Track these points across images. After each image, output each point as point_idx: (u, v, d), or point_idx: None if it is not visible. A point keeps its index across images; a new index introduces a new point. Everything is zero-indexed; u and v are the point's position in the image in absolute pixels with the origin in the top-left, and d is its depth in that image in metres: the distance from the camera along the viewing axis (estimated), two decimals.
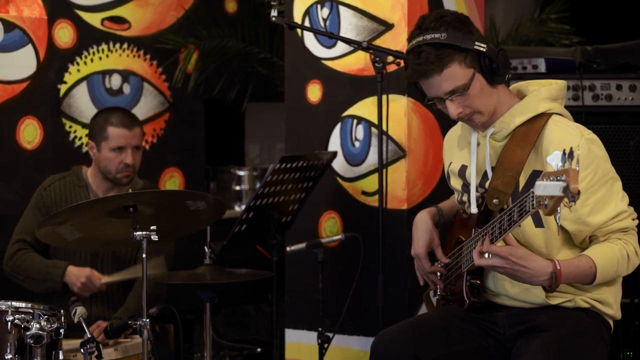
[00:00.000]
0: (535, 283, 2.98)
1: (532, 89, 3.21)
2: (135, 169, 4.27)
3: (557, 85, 3.21)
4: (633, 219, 3.10)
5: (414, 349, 3.10)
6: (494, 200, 3.11)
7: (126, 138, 4.22)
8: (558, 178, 2.57)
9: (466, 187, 3.28)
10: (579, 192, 2.56)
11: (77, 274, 4.10)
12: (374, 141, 4.29)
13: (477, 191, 3.21)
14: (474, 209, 3.20)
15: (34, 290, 4.20)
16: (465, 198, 3.30)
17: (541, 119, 3.12)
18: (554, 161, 2.61)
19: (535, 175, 3.09)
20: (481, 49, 3.04)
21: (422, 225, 3.40)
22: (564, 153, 2.59)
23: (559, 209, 2.63)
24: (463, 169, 3.29)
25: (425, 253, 3.37)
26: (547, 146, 3.08)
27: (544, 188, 2.60)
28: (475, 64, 3.06)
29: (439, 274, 3.39)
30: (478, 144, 3.21)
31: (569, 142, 3.02)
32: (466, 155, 3.27)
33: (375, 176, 4.21)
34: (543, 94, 3.16)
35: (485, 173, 3.19)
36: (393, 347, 3.12)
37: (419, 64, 3.04)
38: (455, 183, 3.34)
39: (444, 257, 3.35)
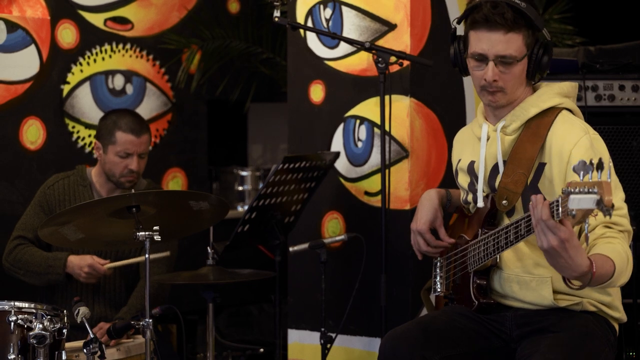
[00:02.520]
0: (564, 274, 2.85)
1: (543, 85, 3.26)
2: (139, 174, 4.26)
3: (568, 83, 3.26)
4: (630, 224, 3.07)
5: (421, 349, 3.10)
6: (503, 202, 3.12)
7: (133, 145, 4.20)
8: (589, 190, 2.53)
9: (473, 185, 3.28)
10: (613, 206, 2.52)
11: (79, 264, 4.09)
12: (377, 141, 4.30)
13: (483, 191, 3.22)
14: (480, 203, 3.20)
15: (35, 284, 4.19)
16: (470, 198, 3.30)
17: (552, 113, 3.16)
18: (580, 170, 2.56)
19: (541, 168, 3.11)
20: (546, 36, 3.13)
21: (428, 203, 3.41)
22: (591, 163, 2.55)
23: (587, 219, 2.61)
24: (472, 164, 3.29)
25: (427, 229, 3.36)
26: (551, 139, 3.11)
27: (578, 202, 2.54)
28: (531, 48, 3.12)
29: (439, 264, 3.40)
30: (488, 138, 3.22)
31: (572, 137, 3.06)
32: (476, 151, 3.27)
33: (378, 176, 4.21)
34: (555, 90, 3.21)
35: (494, 168, 3.20)
36: (401, 347, 3.12)
37: (494, 13, 3.06)
38: (463, 180, 3.34)
39: (447, 237, 3.35)
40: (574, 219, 2.61)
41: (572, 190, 2.56)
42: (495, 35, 3.08)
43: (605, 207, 2.52)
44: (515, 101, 3.19)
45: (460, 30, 3.23)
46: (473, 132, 3.34)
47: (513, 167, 3.13)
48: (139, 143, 4.21)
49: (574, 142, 3.05)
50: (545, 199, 2.78)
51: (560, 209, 2.67)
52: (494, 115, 3.24)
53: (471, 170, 3.30)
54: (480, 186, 3.22)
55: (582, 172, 2.56)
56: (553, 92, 3.20)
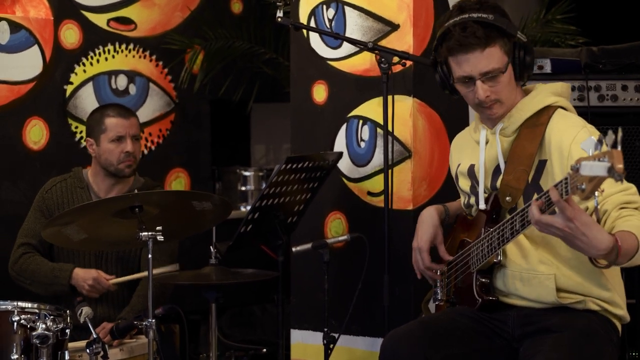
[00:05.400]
0: (591, 254, 2.86)
1: (537, 86, 3.27)
2: (136, 159, 4.26)
3: (561, 83, 3.29)
4: None
5: (423, 349, 3.11)
6: (507, 198, 3.14)
7: (124, 127, 4.23)
8: (600, 159, 2.54)
9: (474, 188, 3.28)
10: (624, 172, 2.52)
11: (83, 277, 4.10)
12: (380, 142, 4.30)
13: (484, 192, 3.22)
14: (482, 205, 3.21)
15: (41, 294, 4.20)
16: (472, 201, 3.30)
17: (547, 111, 3.17)
18: (588, 147, 2.58)
19: (541, 165, 3.12)
20: (522, 39, 3.15)
21: (428, 220, 3.42)
22: (599, 140, 2.56)
23: (596, 192, 2.62)
24: (472, 167, 3.30)
25: (427, 247, 3.38)
26: (550, 135, 3.12)
27: (590, 168, 2.54)
28: (511, 54, 3.14)
29: (439, 272, 3.39)
30: (487, 142, 3.23)
31: (570, 132, 3.08)
32: (475, 154, 3.29)
33: (380, 177, 4.20)
34: (549, 89, 3.23)
35: (495, 170, 3.21)
36: (402, 347, 3.13)
37: (465, 36, 3.09)
38: (464, 184, 3.35)
39: (447, 254, 3.36)
40: (583, 192, 2.61)
41: (583, 163, 2.57)
42: (473, 55, 3.11)
43: (617, 174, 2.51)
44: (511, 105, 3.20)
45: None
46: (471, 137, 3.36)
47: (513, 165, 3.15)
48: (129, 125, 4.25)
49: (572, 136, 3.07)
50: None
51: (569, 185, 2.68)
52: (491, 120, 3.25)
53: (471, 173, 3.31)
54: (482, 189, 3.23)
55: (590, 149, 2.57)
56: (547, 92, 3.22)
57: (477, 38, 3.08)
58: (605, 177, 2.54)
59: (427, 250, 3.38)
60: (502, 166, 3.18)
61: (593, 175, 2.56)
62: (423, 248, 3.38)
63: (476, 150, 3.28)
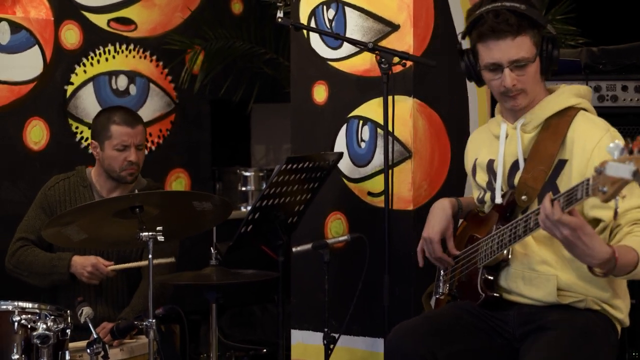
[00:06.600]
0: (586, 262, 2.90)
1: (562, 86, 3.30)
2: (139, 166, 4.27)
3: (584, 86, 3.33)
4: None
5: (428, 344, 3.13)
6: (523, 197, 3.15)
7: (129, 136, 4.22)
8: (627, 162, 2.54)
9: (491, 184, 3.29)
10: None
11: (82, 264, 4.10)
12: (380, 142, 4.30)
13: (501, 189, 3.23)
14: (498, 199, 3.22)
15: (39, 285, 4.20)
16: (487, 197, 3.31)
17: (570, 112, 3.20)
18: (614, 150, 2.57)
19: (560, 165, 3.14)
20: (552, 32, 3.19)
21: (441, 212, 3.43)
22: (626, 145, 2.56)
23: (617, 196, 2.62)
24: (491, 162, 3.31)
25: (438, 238, 3.38)
26: (572, 136, 3.14)
27: (616, 169, 2.55)
28: (539, 46, 3.18)
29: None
30: (507, 136, 3.24)
31: (594, 135, 3.11)
32: (494, 149, 3.30)
33: (381, 177, 4.20)
34: (573, 90, 3.27)
35: (513, 165, 3.23)
36: (407, 342, 3.15)
37: (497, 22, 3.12)
38: (481, 179, 3.36)
39: (455, 249, 3.36)
40: (604, 195, 2.61)
41: (609, 163, 2.58)
42: (504, 42, 3.13)
43: None
44: (534, 100, 3.22)
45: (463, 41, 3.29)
46: (491, 132, 3.37)
47: (533, 163, 3.17)
48: (134, 134, 4.23)
49: (596, 141, 3.09)
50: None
51: (590, 187, 2.69)
52: (512, 114, 3.26)
53: (490, 168, 3.32)
54: (499, 184, 3.24)
55: (616, 153, 2.58)
56: (571, 93, 3.25)
57: (510, 25, 3.11)
58: (630, 181, 2.55)
59: (439, 242, 3.39)
60: (522, 163, 3.20)
61: (617, 177, 2.56)
62: (434, 239, 3.39)
63: (495, 145, 3.30)
